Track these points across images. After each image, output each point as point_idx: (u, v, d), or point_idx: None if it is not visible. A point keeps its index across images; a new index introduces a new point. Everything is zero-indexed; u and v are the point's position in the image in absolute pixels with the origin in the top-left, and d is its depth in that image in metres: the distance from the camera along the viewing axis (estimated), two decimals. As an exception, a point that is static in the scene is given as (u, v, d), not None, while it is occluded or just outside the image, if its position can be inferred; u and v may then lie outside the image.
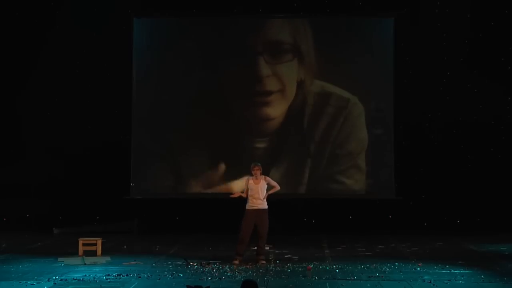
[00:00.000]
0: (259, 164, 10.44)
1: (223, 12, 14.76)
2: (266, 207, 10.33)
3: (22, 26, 14.79)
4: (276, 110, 14.61)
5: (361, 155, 14.56)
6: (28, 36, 14.77)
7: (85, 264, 10.23)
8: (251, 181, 10.31)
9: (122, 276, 9.15)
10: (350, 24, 14.84)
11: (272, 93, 14.57)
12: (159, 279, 9.00)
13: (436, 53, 14.57)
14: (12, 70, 14.76)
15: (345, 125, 14.54)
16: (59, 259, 10.46)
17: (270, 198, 10.49)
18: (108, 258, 10.60)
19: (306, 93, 14.59)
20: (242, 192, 10.46)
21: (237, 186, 13.32)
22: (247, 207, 10.32)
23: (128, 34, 14.83)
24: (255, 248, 10.44)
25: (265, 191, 10.31)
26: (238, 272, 9.43)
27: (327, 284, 8.68)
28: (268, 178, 10.49)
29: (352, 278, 9.04)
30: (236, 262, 10.14)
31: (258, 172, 10.29)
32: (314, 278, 9.04)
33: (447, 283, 8.72)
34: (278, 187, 10.47)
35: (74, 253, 10.89)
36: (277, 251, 11.50)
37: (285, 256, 11.05)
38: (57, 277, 9.09)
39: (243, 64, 14.62)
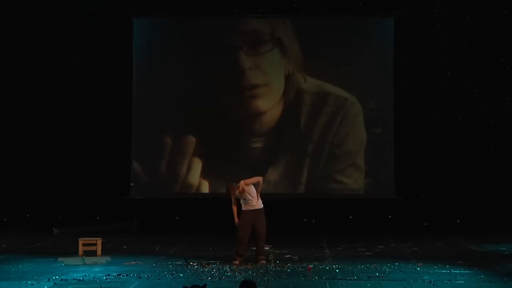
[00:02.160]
0: (233, 184, 10.20)
1: (224, 12, 14.77)
2: (262, 206, 10.30)
3: (22, 26, 14.79)
4: (266, 103, 14.62)
5: (360, 154, 14.55)
6: (28, 36, 14.77)
7: (85, 264, 10.22)
8: (237, 193, 10.20)
9: (122, 276, 9.15)
10: (350, 24, 14.84)
11: (258, 86, 14.60)
12: (159, 279, 9.00)
13: (436, 53, 14.57)
14: (12, 70, 14.76)
15: (343, 124, 14.54)
16: (59, 259, 10.46)
17: (269, 198, 10.49)
18: (108, 258, 10.60)
19: (303, 92, 14.58)
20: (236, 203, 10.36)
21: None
22: (243, 208, 10.29)
23: (128, 34, 14.83)
24: (255, 248, 10.44)
25: (254, 191, 10.21)
26: (238, 272, 9.43)
27: (327, 284, 8.68)
28: (246, 181, 10.20)
29: (352, 278, 9.04)
30: (236, 262, 10.14)
31: (237, 191, 10.14)
32: (314, 278, 9.04)
33: (447, 283, 8.71)
34: (260, 179, 10.31)
35: (74, 253, 10.89)
36: (277, 251, 11.50)
37: (285, 256, 11.05)
38: (57, 277, 9.09)
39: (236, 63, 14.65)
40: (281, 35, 14.71)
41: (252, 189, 10.22)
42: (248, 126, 14.69)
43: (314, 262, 10.24)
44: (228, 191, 10.23)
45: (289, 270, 9.66)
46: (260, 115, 14.67)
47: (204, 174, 14.60)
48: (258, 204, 10.28)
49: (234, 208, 10.30)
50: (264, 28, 14.78)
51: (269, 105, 14.65)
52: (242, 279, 7.22)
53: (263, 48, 14.71)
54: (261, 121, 14.68)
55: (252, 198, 10.20)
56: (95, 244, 10.92)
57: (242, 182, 10.18)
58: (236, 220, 10.29)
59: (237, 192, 10.14)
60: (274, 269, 9.76)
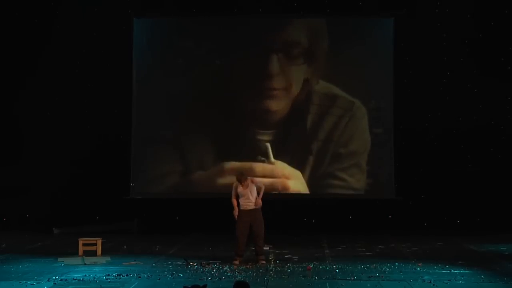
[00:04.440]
0: (244, 174, 10.41)
1: (226, 12, 14.79)
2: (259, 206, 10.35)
3: (22, 26, 14.79)
4: (279, 104, 14.61)
5: (363, 155, 14.54)
6: (28, 36, 14.77)
7: (85, 264, 10.23)
8: (240, 188, 10.28)
9: (122, 276, 9.16)
10: (350, 24, 14.83)
11: (278, 89, 14.58)
12: (159, 279, 9.01)
13: (436, 53, 14.57)
14: (12, 70, 14.76)
15: (349, 126, 14.52)
16: (59, 259, 10.47)
17: (269, 198, 10.49)
18: (108, 258, 10.61)
19: (312, 93, 14.57)
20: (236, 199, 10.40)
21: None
22: (241, 207, 10.33)
23: (128, 34, 14.83)
24: (254, 248, 10.44)
25: (255, 192, 10.27)
26: (238, 272, 9.44)
27: (327, 284, 8.68)
28: (254, 179, 10.48)
29: (352, 278, 9.04)
30: (236, 262, 10.15)
31: (246, 182, 10.27)
32: (314, 278, 9.05)
33: (447, 283, 8.72)
34: (263, 187, 10.39)
35: (74, 253, 10.90)
36: (277, 251, 11.50)
37: (285, 256, 11.05)
38: (57, 277, 9.10)
39: (251, 60, 14.64)
40: (311, 38, 14.68)
41: (254, 190, 10.28)
42: (254, 123, 14.61)
43: (314, 262, 10.24)
44: (239, 177, 10.30)
45: (289, 270, 9.66)
46: (268, 113, 14.62)
47: (205, 174, 14.59)
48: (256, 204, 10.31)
49: (234, 201, 10.32)
50: (300, 32, 14.74)
51: (281, 104, 14.60)
52: (236, 280, 7.23)
53: (295, 52, 14.66)
54: (266, 115, 14.64)
55: (251, 197, 10.22)
56: (95, 244, 10.93)
57: (249, 178, 10.35)
58: (236, 211, 10.27)
59: (244, 182, 10.19)
60: (274, 269, 9.77)
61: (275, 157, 14.40)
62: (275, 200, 13.56)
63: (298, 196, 14.60)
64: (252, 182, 10.34)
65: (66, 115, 14.79)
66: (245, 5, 14.66)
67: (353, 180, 14.55)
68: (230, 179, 14.15)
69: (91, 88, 14.70)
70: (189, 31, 14.89)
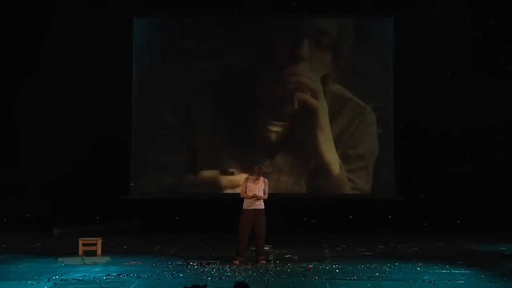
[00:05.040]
0: (262, 168, 10.47)
1: (224, 12, 14.80)
2: (263, 206, 10.33)
3: (22, 26, 14.79)
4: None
5: (371, 159, 14.52)
6: (28, 36, 14.78)
7: (85, 264, 10.23)
8: (250, 182, 10.30)
9: (122, 276, 9.16)
10: (350, 24, 14.82)
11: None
12: (159, 279, 9.01)
13: (436, 53, 14.58)
14: (12, 70, 14.77)
15: (359, 129, 14.51)
16: (59, 259, 10.47)
17: (271, 198, 10.50)
18: (108, 258, 10.60)
19: (326, 91, 14.55)
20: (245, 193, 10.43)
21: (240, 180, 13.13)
22: (244, 206, 10.32)
23: (128, 34, 14.83)
24: (254, 248, 10.44)
25: (262, 193, 10.29)
26: (238, 272, 9.44)
27: (327, 284, 8.68)
28: (266, 180, 10.42)
29: (352, 278, 9.04)
30: (237, 262, 10.14)
31: (260, 177, 10.30)
32: (314, 278, 9.05)
33: (447, 283, 8.72)
34: (265, 197, 10.37)
35: (74, 253, 10.90)
36: (277, 251, 11.50)
37: (285, 256, 11.05)
38: (57, 277, 9.10)
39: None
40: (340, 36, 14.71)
41: (262, 190, 10.27)
42: (263, 116, 14.61)
43: (314, 262, 10.24)
44: (257, 169, 10.28)
45: (289, 270, 9.66)
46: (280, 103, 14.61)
47: (205, 174, 14.58)
48: (260, 204, 10.31)
49: (245, 194, 10.28)
50: (329, 27, 14.74)
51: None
52: (236, 280, 7.22)
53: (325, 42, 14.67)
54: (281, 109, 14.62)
55: (257, 193, 10.18)
56: (95, 244, 10.92)
57: (263, 177, 10.34)
58: (249, 195, 10.23)
59: (259, 175, 10.20)
60: (274, 269, 9.77)
61: (280, 153, 14.46)
62: (275, 200, 13.53)
63: (299, 197, 14.59)
64: (264, 182, 10.31)
65: (66, 115, 14.79)
66: (244, 5, 14.66)
67: (360, 182, 14.51)
68: (230, 179, 14.25)
69: (91, 88, 14.69)
70: (189, 31, 14.89)
